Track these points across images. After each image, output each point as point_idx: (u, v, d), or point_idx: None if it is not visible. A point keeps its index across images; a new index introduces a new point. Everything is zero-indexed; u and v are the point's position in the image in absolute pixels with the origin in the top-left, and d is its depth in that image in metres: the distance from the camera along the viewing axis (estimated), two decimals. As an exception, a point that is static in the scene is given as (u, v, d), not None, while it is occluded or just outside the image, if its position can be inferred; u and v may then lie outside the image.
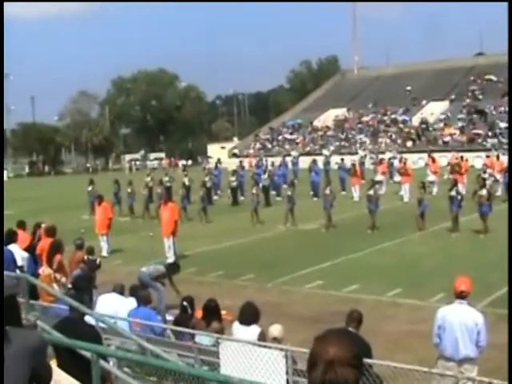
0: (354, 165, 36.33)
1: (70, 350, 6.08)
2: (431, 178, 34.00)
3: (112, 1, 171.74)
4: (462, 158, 37.06)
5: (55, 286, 12.19)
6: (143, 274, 14.15)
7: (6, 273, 9.94)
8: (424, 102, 69.40)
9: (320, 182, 34.05)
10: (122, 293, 11.58)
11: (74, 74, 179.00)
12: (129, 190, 31.30)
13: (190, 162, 76.58)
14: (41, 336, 3.90)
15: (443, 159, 44.17)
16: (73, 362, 5.90)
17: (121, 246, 22.87)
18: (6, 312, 3.40)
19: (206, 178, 34.01)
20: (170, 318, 11.48)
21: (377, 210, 24.17)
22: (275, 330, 8.61)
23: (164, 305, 13.54)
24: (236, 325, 9.02)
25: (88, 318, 8.14)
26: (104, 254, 21.35)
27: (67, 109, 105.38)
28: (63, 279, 12.67)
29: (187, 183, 33.64)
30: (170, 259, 20.20)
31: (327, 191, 25.37)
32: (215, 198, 36.55)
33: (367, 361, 6.66)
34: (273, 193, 35.51)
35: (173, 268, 14.72)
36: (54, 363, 5.95)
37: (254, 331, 8.73)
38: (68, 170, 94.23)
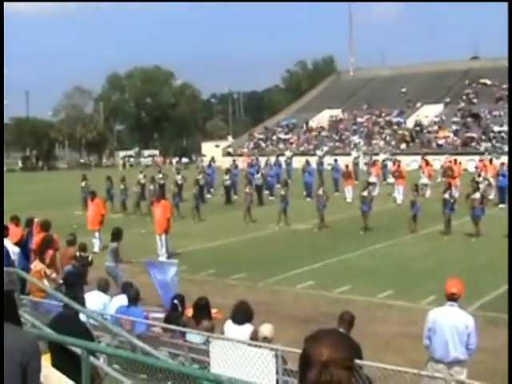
0: (347, 166, 36.37)
1: (63, 347, 6.07)
2: (424, 180, 34.05)
3: (109, 0, 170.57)
4: (455, 161, 37.15)
5: (46, 281, 12.16)
6: (111, 267, 14.33)
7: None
8: (419, 105, 69.52)
9: (313, 182, 34.12)
10: (105, 290, 11.52)
11: (69, 70, 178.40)
12: (122, 187, 31.38)
13: (184, 159, 76.45)
14: (34, 337, 3.89)
15: (437, 162, 44.19)
16: (65, 359, 5.90)
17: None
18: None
19: (200, 176, 34.05)
20: (158, 315, 11.44)
21: (369, 212, 24.20)
22: (266, 329, 8.60)
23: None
24: (229, 323, 9.01)
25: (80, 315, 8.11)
26: (96, 250, 21.30)
27: (62, 104, 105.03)
28: (54, 275, 12.64)
29: (180, 181, 33.68)
30: (162, 257, 20.21)
31: (320, 192, 25.39)
32: (208, 196, 36.54)
33: (357, 362, 6.66)
34: (266, 192, 35.51)
35: (116, 234, 15.07)
36: (46, 359, 5.94)
37: (246, 330, 8.72)
38: (61, 165, 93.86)
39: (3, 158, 70.48)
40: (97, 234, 22.22)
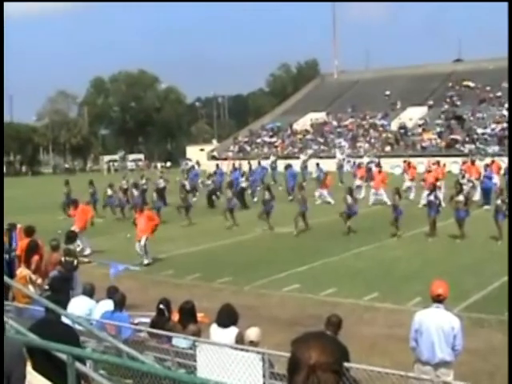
0: (325, 173, 36.48)
1: (46, 352, 6.02)
2: (407, 183, 34.14)
3: (95, 0, 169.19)
4: (438, 163, 37.17)
5: (31, 287, 12.07)
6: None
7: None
8: (398, 106, 69.71)
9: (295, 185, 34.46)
10: (91, 295, 11.46)
11: (53, 74, 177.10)
12: (110, 192, 31.41)
13: (168, 163, 76.31)
14: (18, 344, 3.85)
15: (421, 166, 44.24)
16: (48, 364, 5.85)
17: (98, 247, 22.70)
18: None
19: (186, 181, 34.13)
20: (144, 320, 11.40)
21: (354, 215, 24.17)
22: (252, 333, 8.59)
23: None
24: (214, 327, 9.00)
25: (64, 319, 8.05)
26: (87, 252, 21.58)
27: (46, 109, 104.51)
28: (39, 280, 12.56)
29: (161, 185, 33.77)
30: (147, 260, 20.12)
31: (300, 196, 25.28)
32: (194, 199, 36.53)
33: (344, 364, 6.66)
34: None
35: (70, 237, 15.23)
36: (28, 365, 5.89)
37: (231, 333, 8.71)
38: (46, 170, 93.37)
39: (3, 159, 70.01)
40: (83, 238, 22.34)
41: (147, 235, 20.30)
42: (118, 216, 30.88)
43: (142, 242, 20.23)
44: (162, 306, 10.14)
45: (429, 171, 33.85)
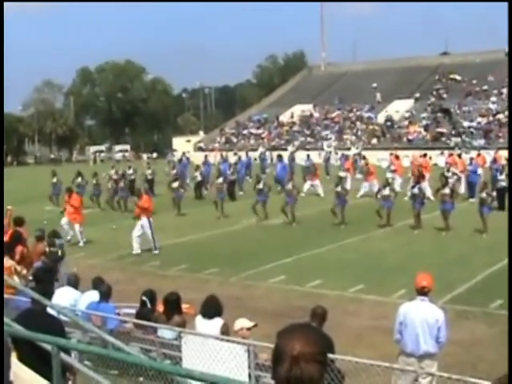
0: (313, 165, 36.46)
1: (31, 343, 6.00)
2: (389, 174, 34.10)
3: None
4: (425, 155, 37.29)
5: (15, 277, 12.03)
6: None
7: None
8: (380, 99, 69.77)
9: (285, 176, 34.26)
10: (76, 286, 11.41)
11: (39, 64, 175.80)
12: (94, 182, 31.31)
13: (154, 154, 76.06)
14: (4, 334, 3.84)
15: (406, 160, 44.22)
16: (33, 355, 5.83)
17: (87, 237, 22.60)
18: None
19: (174, 171, 34.18)
20: (129, 311, 11.38)
21: (345, 205, 24.18)
22: (245, 321, 8.55)
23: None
24: (199, 318, 9.00)
25: (49, 310, 8.03)
26: (81, 244, 21.80)
27: (31, 98, 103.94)
28: (24, 271, 12.51)
29: (150, 176, 33.72)
30: (134, 249, 20.15)
31: (289, 186, 25.30)
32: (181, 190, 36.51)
33: (329, 355, 6.69)
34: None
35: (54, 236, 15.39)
36: (13, 356, 5.87)
37: (216, 324, 8.72)
38: (31, 160, 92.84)
39: (3, 158, 69.43)
40: (77, 227, 22.17)
41: (146, 219, 20.41)
42: (101, 207, 30.82)
43: (138, 228, 20.37)
44: (144, 298, 10.11)
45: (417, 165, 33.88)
